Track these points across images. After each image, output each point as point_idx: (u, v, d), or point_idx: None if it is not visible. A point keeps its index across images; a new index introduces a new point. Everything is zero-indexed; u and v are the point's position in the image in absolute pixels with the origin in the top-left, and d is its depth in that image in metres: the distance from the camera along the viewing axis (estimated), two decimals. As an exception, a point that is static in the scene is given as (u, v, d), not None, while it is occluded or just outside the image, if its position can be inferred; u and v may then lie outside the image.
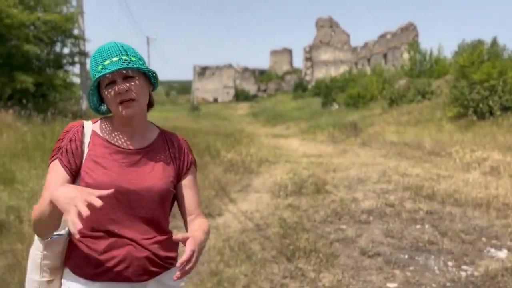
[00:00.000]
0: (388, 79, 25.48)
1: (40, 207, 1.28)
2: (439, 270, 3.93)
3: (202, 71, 54.71)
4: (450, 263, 4.06)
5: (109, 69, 1.34)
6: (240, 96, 53.13)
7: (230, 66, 55.18)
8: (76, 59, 13.74)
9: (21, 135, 8.29)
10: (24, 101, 10.67)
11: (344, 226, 5.15)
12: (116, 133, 1.46)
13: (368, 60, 43.27)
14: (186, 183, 1.54)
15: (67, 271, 1.43)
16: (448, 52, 60.27)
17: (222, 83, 54.14)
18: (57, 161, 1.40)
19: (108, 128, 1.47)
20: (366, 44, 45.06)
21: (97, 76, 1.36)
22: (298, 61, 76.41)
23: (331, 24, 52.48)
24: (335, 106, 26.19)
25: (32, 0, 11.86)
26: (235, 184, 7.21)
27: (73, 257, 1.41)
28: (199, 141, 9.72)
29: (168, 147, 1.53)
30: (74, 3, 14.21)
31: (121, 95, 1.37)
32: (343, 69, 46.00)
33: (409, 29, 36.64)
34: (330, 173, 7.87)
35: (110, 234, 1.39)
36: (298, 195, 6.45)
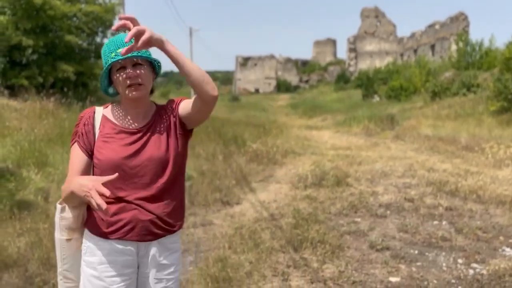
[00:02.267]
0: (433, 71, 24.58)
1: (65, 193, 1.60)
2: (447, 267, 3.84)
3: (245, 62, 54.91)
4: (460, 261, 3.96)
5: (122, 56, 1.55)
6: (282, 87, 52.94)
7: (272, 56, 55.03)
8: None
9: (60, 122, 8.75)
10: (65, 89, 11.22)
11: (358, 219, 5.11)
12: (123, 115, 1.69)
13: (415, 51, 41.86)
14: (185, 104, 1.72)
15: (86, 231, 1.70)
16: (502, 43, 57.01)
17: (264, 74, 54.14)
18: (76, 144, 1.67)
19: (116, 111, 1.71)
20: (413, 35, 43.58)
21: (110, 62, 1.57)
22: (342, 52, 74.98)
23: (377, 14, 51.14)
24: (376, 98, 25.61)
25: (75, -8, 12.36)
26: (257, 174, 7.29)
27: (90, 220, 1.68)
28: (227, 131, 9.85)
29: (164, 116, 1.73)
30: (116, -6, 14.66)
31: (131, 79, 1.59)
32: (388, 60, 44.74)
33: (460, 19, 35.08)
34: (354, 166, 7.77)
35: (120, 200, 1.62)
36: (318, 187, 6.44)
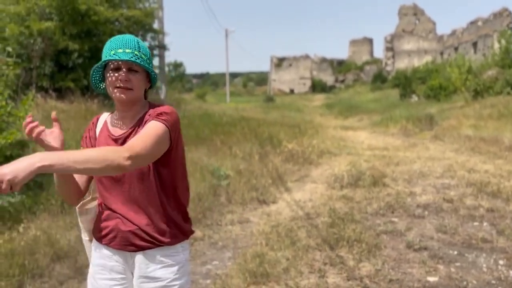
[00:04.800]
0: (474, 70, 23.82)
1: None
2: (487, 268, 3.79)
3: (279, 62, 54.98)
4: (501, 262, 3.89)
5: (119, 57, 1.55)
6: (317, 87, 52.67)
7: (307, 56, 54.86)
8: (155, 52, 14.65)
9: (103, 122, 9.14)
10: (108, 91, 11.65)
11: (395, 219, 5.10)
12: (115, 120, 1.68)
13: (456, 49, 40.61)
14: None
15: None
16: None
17: (298, 74, 54.02)
18: (81, 148, 1.73)
19: (114, 116, 1.72)
20: (454, 32, 42.30)
21: (107, 58, 1.56)
22: (379, 51, 73.67)
23: (416, 11, 50.01)
24: (414, 98, 25.07)
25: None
26: (293, 174, 7.36)
27: (95, 223, 1.75)
28: (263, 131, 9.97)
29: (146, 123, 1.59)
30: (155, -2, 15.09)
31: (121, 82, 1.57)
32: (427, 59, 43.59)
33: (503, 15, 33.79)
34: (391, 166, 7.70)
35: (107, 207, 1.66)
36: (354, 187, 6.44)
